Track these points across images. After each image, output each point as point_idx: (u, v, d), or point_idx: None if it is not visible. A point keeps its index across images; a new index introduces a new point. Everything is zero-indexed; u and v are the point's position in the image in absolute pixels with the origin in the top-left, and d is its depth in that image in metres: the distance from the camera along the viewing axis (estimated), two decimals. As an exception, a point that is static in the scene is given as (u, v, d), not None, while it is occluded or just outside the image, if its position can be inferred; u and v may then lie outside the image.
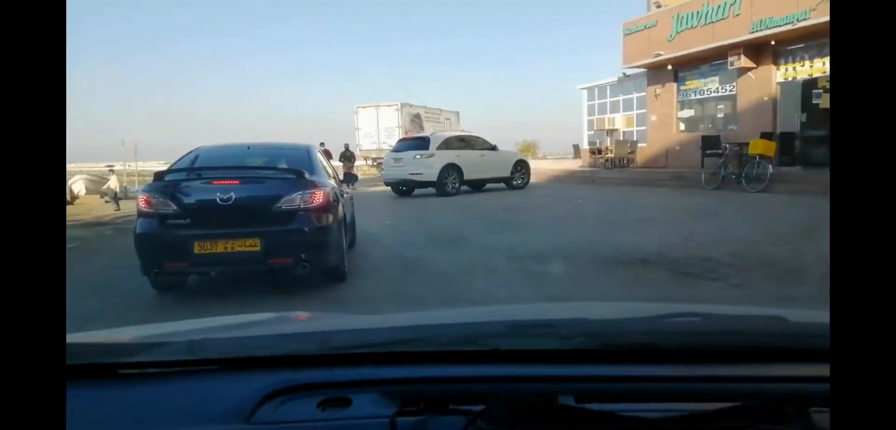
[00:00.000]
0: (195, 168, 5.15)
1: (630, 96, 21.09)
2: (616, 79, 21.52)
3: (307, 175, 4.91)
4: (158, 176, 4.95)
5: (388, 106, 27.35)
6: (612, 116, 21.47)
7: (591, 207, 11.50)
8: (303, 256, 4.67)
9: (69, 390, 0.79)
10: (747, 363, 0.96)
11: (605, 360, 0.97)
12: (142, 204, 4.77)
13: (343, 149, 19.10)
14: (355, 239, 7.39)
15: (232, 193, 4.65)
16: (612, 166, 19.58)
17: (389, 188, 15.93)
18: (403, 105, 27.21)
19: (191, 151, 5.69)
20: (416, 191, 15.28)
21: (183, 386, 0.93)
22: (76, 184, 19.99)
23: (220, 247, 4.56)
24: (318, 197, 4.80)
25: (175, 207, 4.64)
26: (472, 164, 15.20)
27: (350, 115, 28.12)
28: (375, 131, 27.20)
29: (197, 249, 4.55)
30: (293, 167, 4.98)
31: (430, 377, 0.94)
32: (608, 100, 22.23)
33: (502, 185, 16.08)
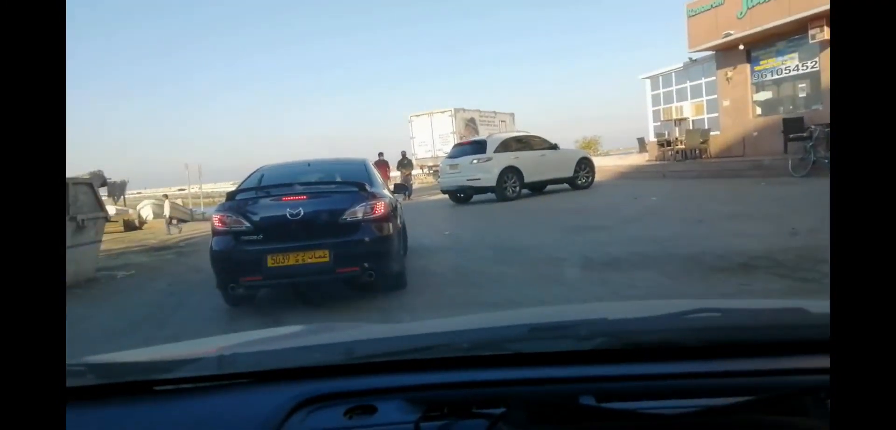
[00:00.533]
0: (263, 186, 5.36)
1: (698, 82, 19.69)
2: (682, 65, 20.17)
3: (368, 188, 5.17)
4: (230, 196, 5.24)
5: (442, 112, 26.90)
6: (679, 104, 20.11)
7: (669, 204, 10.51)
8: (368, 264, 4.86)
9: (107, 408, 0.91)
10: (768, 356, 0.96)
11: (624, 359, 0.97)
12: (216, 223, 5.01)
13: (400, 157, 18.71)
14: (407, 246, 7.02)
15: (300, 209, 4.86)
16: (684, 158, 18.28)
17: (447, 196, 15.38)
18: (457, 110, 26.69)
19: (255, 171, 5.94)
20: (475, 197, 14.67)
21: (215, 400, 0.95)
22: (144, 209, 20.64)
23: (291, 260, 4.77)
24: (380, 208, 5.03)
25: (248, 224, 4.88)
26: (533, 165, 14.43)
27: (404, 125, 27.90)
28: (430, 139, 26.80)
29: (270, 262, 4.76)
30: (354, 181, 5.24)
31: (453, 383, 0.95)
32: (674, 88, 20.87)
33: (565, 186, 15.23)
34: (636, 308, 1.42)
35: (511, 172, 14.06)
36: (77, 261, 7.94)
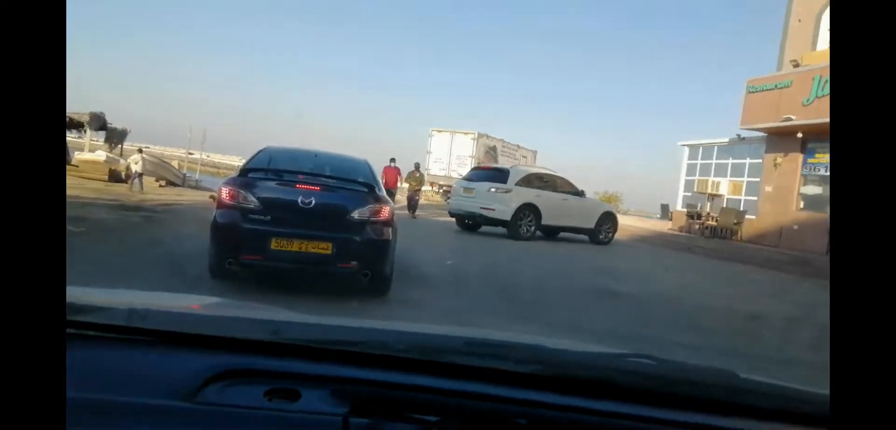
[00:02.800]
0: (276, 169, 5.29)
1: (742, 161, 18.38)
2: (727, 140, 18.88)
3: (376, 191, 5.33)
4: (242, 172, 5.25)
5: (464, 134, 25.71)
6: (716, 179, 18.79)
7: (711, 286, 9.07)
8: (366, 264, 5.00)
9: None
10: (697, 411, 0.97)
11: (558, 390, 0.96)
12: (224, 196, 4.95)
13: (413, 168, 17.23)
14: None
15: (312, 198, 4.91)
16: (712, 235, 16.88)
17: (454, 220, 14.02)
18: (480, 135, 25.50)
19: (261, 150, 5.80)
20: (484, 228, 13.31)
21: (123, 354, 0.91)
22: (135, 164, 19.49)
23: (295, 246, 4.79)
24: (385, 212, 5.15)
25: (256, 204, 4.84)
26: (553, 207, 13.07)
27: (423, 137, 26.68)
28: (447, 157, 25.58)
29: (273, 245, 4.76)
30: (364, 181, 5.37)
31: (385, 382, 0.93)
32: (714, 161, 19.58)
33: (582, 237, 13.85)
34: (574, 344, 1.42)
35: (529, 209, 12.70)
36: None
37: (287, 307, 1.40)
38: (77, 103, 24.29)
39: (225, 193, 4.97)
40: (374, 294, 5.25)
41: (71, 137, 28.77)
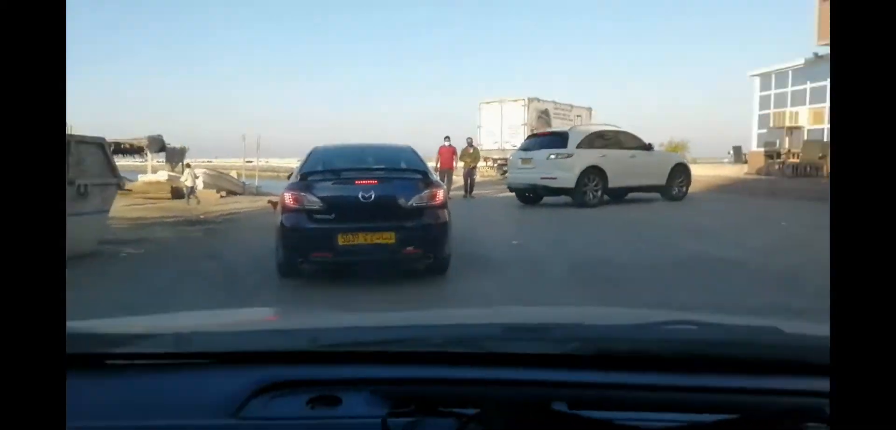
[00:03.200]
0: (335, 169, 5.59)
1: (822, 84, 16.66)
2: (803, 61, 17.17)
3: (429, 176, 5.66)
4: (302, 175, 5.45)
5: (514, 101, 24.79)
6: (794, 109, 17.21)
7: (811, 234, 8.04)
8: (428, 248, 5.29)
9: None
10: (743, 374, 0.94)
11: (599, 366, 0.95)
12: (288, 201, 5.24)
13: (466, 144, 16.48)
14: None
15: (372, 192, 5.17)
16: (794, 174, 15.47)
17: (513, 195, 13.37)
18: (530, 100, 24.51)
19: (311, 152, 6.07)
20: (546, 199, 12.61)
21: (171, 379, 0.93)
22: (187, 179, 19.92)
23: (360, 239, 5.06)
24: (440, 196, 5.43)
25: (320, 204, 5.14)
26: (620, 167, 12.17)
27: (472, 112, 25.97)
28: (498, 129, 24.76)
29: (341, 240, 5.05)
30: (417, 168, 5.69)
31: (422, 379, 0.93)
32: (790, 89, 17.93)
33: (653, 196, 12.91)
34: (613, 315, 1.40)
35: (594, 172, 11.88)
36: (74, 232, 6.55)
37: (354, 299, 1.91)
38: (136, 130, 25.11)
39: (289, 197, 5.26)
40: (434, 275, 5.50)
41: (134, 161, 29.95)
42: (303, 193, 5.22)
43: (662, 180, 12.82)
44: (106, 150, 7.26)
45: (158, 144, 26.61)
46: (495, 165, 24.86)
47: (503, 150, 24.12)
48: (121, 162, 34.64)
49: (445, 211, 5.42)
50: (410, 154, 6.14)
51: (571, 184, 11.71)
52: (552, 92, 27.69)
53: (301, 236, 5.17)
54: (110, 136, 25.04)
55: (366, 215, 5.13)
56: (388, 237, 5.11)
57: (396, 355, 0.97)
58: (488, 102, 25.49)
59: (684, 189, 13.10)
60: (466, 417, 0.80)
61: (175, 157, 25.90)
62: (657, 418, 0.86)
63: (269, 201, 19.72)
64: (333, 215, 5.13)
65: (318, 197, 5.17)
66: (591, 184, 11.85)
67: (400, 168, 5.75)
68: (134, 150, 28.01)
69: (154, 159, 26.13)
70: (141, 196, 19.12)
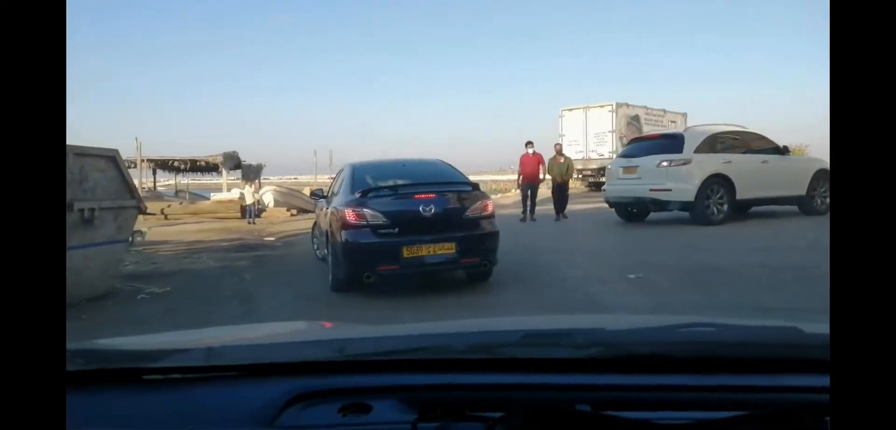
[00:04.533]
0: (391, 184, 5.88)
1: None
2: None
3: (479, 188, 6.06)
4: (364, 193, 5.58)
5: (600, 107, 22.49)
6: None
7: None
8: (484, 256, 5.66)
9: (95, 394, 0.92)
10: (761, 373, 0.96)
11: (619, 370, 0.97)
12: (349, 217, 5.44)
13: (554, 152, 12.89)
14: None
15: (432, 206, 5.48)
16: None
17: (611, 210, 11.22)
18: (618, 105, 22.14)
19: (353, 168, 6.29)
20: (652, 215, 10.44)
21: (205, 391, 0.94)
22: (265, 196, 19.03)
23: (424, 251, 5.39)
24: (490, 206, 5.89)
25: (384, 219, 5.38)
26: (749, 175, 9.84)
27: (553, 120, 23.88)
28: (583, 138, 22.53)
29: (405, 253, 5.34)
30: (466, 181, 6.11)
31: (449, 384, 0.96)
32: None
33: (787, 209, 10.46)
34: (632, 321, 1.41)
35: (718, 182, 9.63)
36: (79, 268, 5.24)
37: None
38: (213, 147, 25.03)
39: (349, 214, 5.41)
40: (482, 281, 5.85)
41: (211, 180, 30.20)
42: (365, 209, 5.38)
43: (802, 190, 10.32)
44: (120, 165, 5.95)
45: (233, 161, 26.44)
46: (581, 176, 22.66)
47: (588, 159, 21.90)
48: (198, 181, 35.60)
49: (494, 221, 5.84)
50: (449, 168, 6.40)
51: (690, 197, 9.50)
52: (641, 97, 24.99)
53: (367, 251, 5.34)
54: (186, 153, 25.45)
55: (428, 227, 5.40)
56: (449, 248, 5.42)
57: (423, 363, 0.99)
58: (571, 109, 23.34)
59: (829, 201, 10.49)
60: (493, 420, 0.83)
61: (251, 174, 25.59)
62: (676, 416, 0.88)
63: (291, 212, 18.67)
64: (397, 230, 5.35)
65: (381, 212, 5.36)
66: (714, 196, 9.61)
67: (452, 181, 5.99)
68: (209, 167, 28.18)
69: (230, 177, 26.03)
70: (210, 216, 18.59)
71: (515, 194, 16.15)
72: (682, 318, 1.10)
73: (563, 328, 1.18)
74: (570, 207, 12.96)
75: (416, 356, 1.01)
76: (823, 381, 0.83)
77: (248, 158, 27.04)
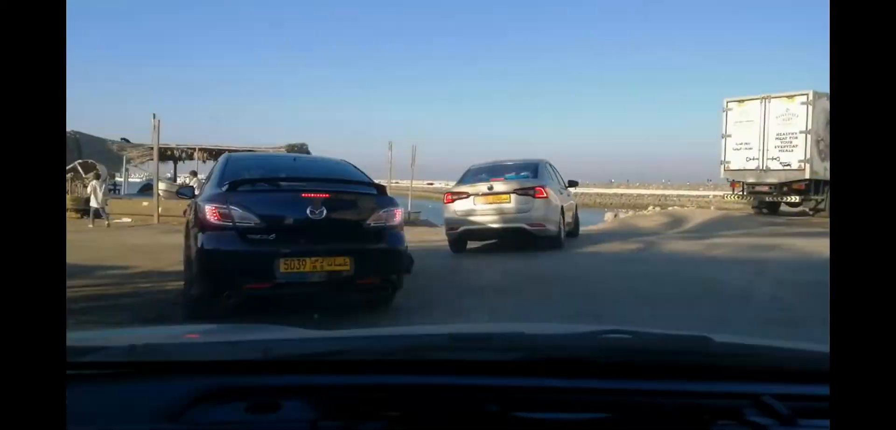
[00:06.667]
0: (271, 178, 4.72)
1: None
2: None
3: (385, 191, 4.92)
4: (233, 185, 4.36)
5: (788, 98, 15.78)
6: None
7: None
8: (386, 274, 4.69)
9: None
10: (677, 379, 1.01)
11: (538, 373, 0.99)
12: (209, 215, 4.17)
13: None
14: None
15: (323, 208, 4.30)
16: None
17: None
18: (817, 95, 15.26)
19: (226, 159, 5.22)
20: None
21: (120, 389, 0.95)
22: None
23: (307, 266, 4.26)
24: (398, 215, 4.84)
25: (257, 221, 4.20)
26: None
27: (715, 116, 17.30)
28: (758, 139, 15.91)
29: (282, 268, 4.15)
30: (369, 182, 5.10)
31: (362, 386, 0.96)
32: None
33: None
34: (554, 327, 1.46)
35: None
36: None
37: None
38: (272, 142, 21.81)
39: (210, 211, 4.13)
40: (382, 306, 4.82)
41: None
42: (231, 207, 4.12)
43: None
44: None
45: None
46: (747, 192, 16.29)
47: (765, 171, 15.43)
48: None
49: (403, 234, 4.81)
50: (351, 168, 5.34)
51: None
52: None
53: (230, 261, 4.08)
54: (245, 144, 22.36)
55: (315, 236, 4.24)
56: (343, 263, 4.25)
57: (340, 365, 1.00)
58: (741, 101, 16.73)
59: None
60: (393, 418, 0.86)
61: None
62: (583, 417, 0.90)
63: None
64: (273, 236, 4.18)
65: (253, 212, 4.12)
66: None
67: (352, 181, 4.91)
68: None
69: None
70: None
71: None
72: (602, 326, 1.14)
73: (485, 333, 1.22)
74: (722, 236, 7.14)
75: (334, 358, 1.02)
76: (727, 387, 0.97)
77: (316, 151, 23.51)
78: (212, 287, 4.10)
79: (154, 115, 15.60)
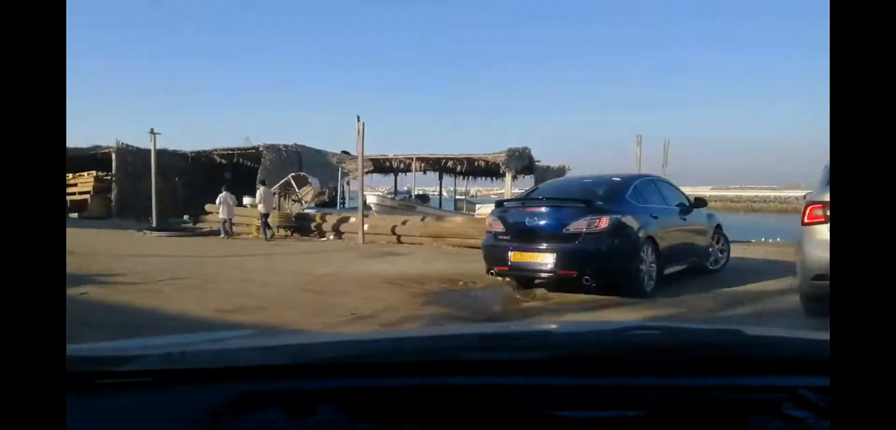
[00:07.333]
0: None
1: None
2: None
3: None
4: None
5: None
6: None
7: None
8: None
9: None
10: (708, 375, 0.98)
11: (565, 372, 0.98)
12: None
13: None
14: None
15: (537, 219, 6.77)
16: None
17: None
18: None
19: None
20: None
21: (156, 396, 0.96)
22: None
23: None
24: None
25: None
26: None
27: None
28: None
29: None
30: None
31: (395, 388, 0.97)
32: None
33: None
34: (583, 325, 1.48)
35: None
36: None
37: None
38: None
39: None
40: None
41: (493, 188, 25.44)
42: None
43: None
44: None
45: (523, 161, 20.84)
46: None
47: None
48: (481, 186, 30.52)
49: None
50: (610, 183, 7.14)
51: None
52: None
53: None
54: (463, 152, 20.92)
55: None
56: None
57: (372, 367, 1.00)
58: None
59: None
60: (427, 420, 0.87)
61: (548, 179, 19.61)
62: (616, 415, 0.90)
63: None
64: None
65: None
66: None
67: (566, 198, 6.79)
68: (488, 169, 23.13)
69: (517, 181, 20.60)
70: (456, 240, 13.17)
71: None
72: (630, 321, 1.19)
73: (513, 331, 1.25)
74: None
75: (365, 361, 1.03)
76: (762, 381, 0.95)
77: (544, 158, 21.18)
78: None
79: (358, 117, 14.50)
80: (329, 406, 0.90)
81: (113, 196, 22.15)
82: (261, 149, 21.70)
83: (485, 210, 14.80)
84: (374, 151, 17.02)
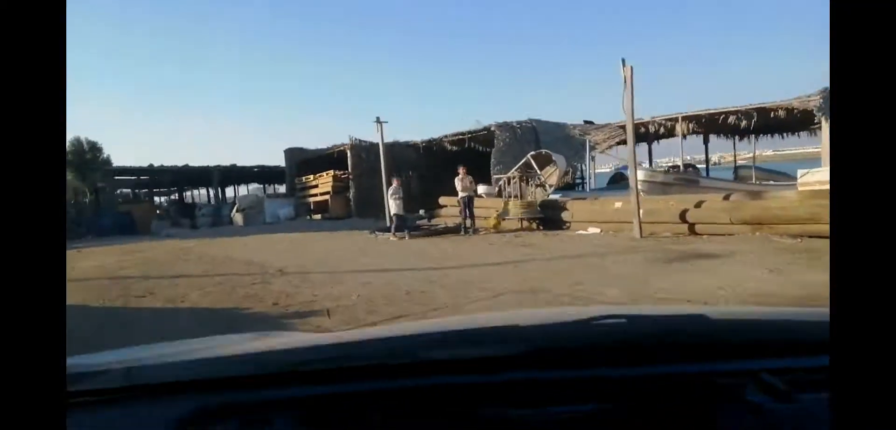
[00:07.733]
0: None
1: None
2: None
3: None
4: None
5: None
6: None
7: None
8: None
9: None
10: (675, 362, 0.98)
11: (531, 366, 0.97)
12: None
13: None
14: None
15: None
16: None
17: None
18: None
19: None
20: None
21: (115, 413, 0.95)
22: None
23: None
24: None
25: None
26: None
27: None
28: None
29: None
30: None
31: (354, 393, 0.95)
32: None
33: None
34: (547, 316, 1.43)
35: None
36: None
37: None
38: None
39: None
40: None
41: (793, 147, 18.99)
42: None
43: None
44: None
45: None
46: None
47: None
48: (778, 149, 22.85)
49: None
50: None
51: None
52: None
53: None
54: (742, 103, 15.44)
55: None
56: None
57: (331, 374, 0.98)
58: None
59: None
60: (387, 426, 0.86)
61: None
62: (582, 410, 0.89)
63: None
64: None
65: None
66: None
67: None
68: (792, 121, 16.99)
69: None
70: (794, 228, 8.70)
71: None
72: (596, 310, 1.10)
73: (478, 327, 1.20)
74: None
75: (324, 366, 1.00)
76: (726, 366, 0.94)
77: None
78: None
79: (623, 61, 10.47)
80: (285, 418, 0.90)
81: (351, 195, 21.92)
82: (493, 128, 19.29)
83: (812, 177, 10.07)
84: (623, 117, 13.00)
